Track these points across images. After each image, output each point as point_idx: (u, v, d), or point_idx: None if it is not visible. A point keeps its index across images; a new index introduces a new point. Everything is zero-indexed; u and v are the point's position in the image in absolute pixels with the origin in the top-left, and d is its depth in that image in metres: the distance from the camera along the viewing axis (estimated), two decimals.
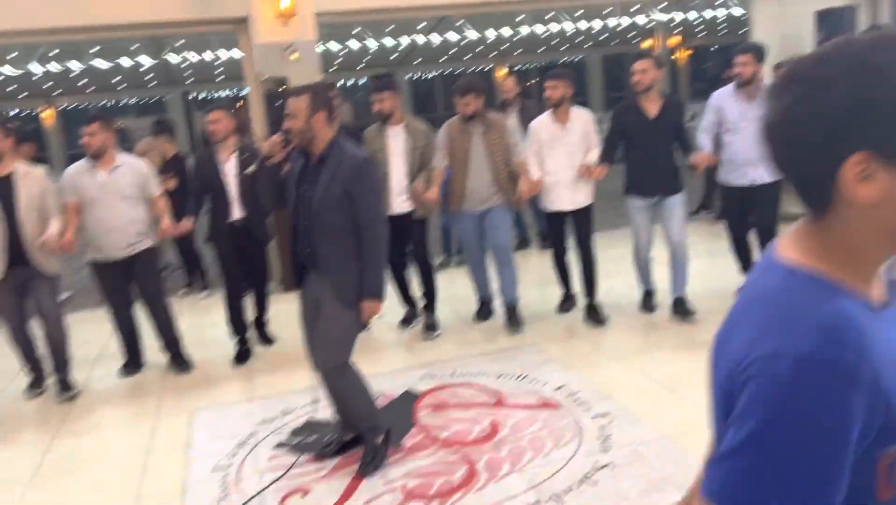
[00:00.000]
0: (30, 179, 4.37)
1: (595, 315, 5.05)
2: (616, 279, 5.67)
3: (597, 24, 17.37)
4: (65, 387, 4.56)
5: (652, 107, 4.75)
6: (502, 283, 5.09)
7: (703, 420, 3.35)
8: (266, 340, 5.22)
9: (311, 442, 3.57)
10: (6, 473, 3.56)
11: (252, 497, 3.10)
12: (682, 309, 4.93)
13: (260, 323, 5.24)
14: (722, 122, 4.95)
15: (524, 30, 16.48)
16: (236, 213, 4.80)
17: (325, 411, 3.85)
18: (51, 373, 4.64)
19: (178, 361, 4.85)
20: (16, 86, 17.22)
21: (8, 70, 14.25)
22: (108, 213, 4.49)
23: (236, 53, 13.47)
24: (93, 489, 3.32)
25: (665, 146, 4.79)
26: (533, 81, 22.03)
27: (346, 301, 3.11)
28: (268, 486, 3.18)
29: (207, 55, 15.19)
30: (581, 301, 5.23)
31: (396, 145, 4.85)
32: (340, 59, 17.74)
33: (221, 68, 17.54)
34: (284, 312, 5.86)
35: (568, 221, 5.09)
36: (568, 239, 5.19)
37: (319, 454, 3.40)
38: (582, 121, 4.97)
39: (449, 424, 3.63)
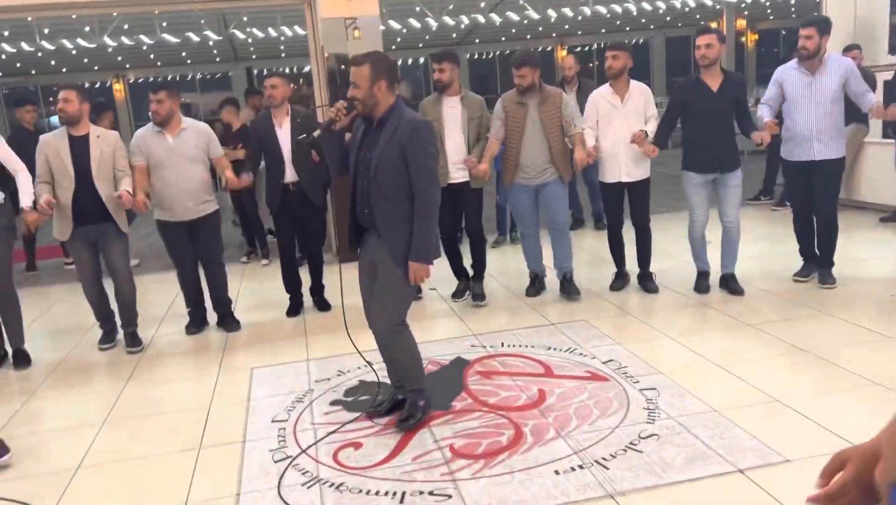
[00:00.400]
0: (103, 140, 4.64)
1: (648, 283, 5.16)
2: (669, 261, 5.65)
3: (661, 5, 17.03)
4: (133, 341, 4.84)
5: (714, 81, 4.74)
6: (557, 254, 5.20)
7: (752, 396, 3.38)
8: (322, 306, 5.39)
9: (363, 401, 3.71)
10: (81, 417, 3.81)
11: (308, 447, 3.25)
12: (729, 285, 4.96)
13: (316, 289, 5.41)
14: (784, 97, 4.88)
15: (586, 10, 16.26)
16: (289, 175, 4.99)
17: (378, 374, 3.99)
18: (121, 327, 4.91)
19: (229, 322, 5.09)
20: (88, 59, 17.87)
21: (83, 43, 14.79)
22: (175, 175, 4.72)
23: (300, 30, 13.70)
24: (159, 435, 3.53)
25: (725, 121, 4.77)
26: (594, 64, 21.76)
27: (401, 262, 3.21)
28: (322, 438, 3.33)
29: (272, 31, 15.46)
30: (634, 272, 5.29)
31: (452, 116, 4.95)
32: (401, 39, 17.83)
33: (284, 45, 17.84)
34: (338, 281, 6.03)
35: (624, 196, 5.12)
36: (623, 216, 5.22)
37: (371, 412, 3.54)
38: (640, 94, 5.00)
39: (497, 391, 3.72)
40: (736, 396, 3.43)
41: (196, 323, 5.11)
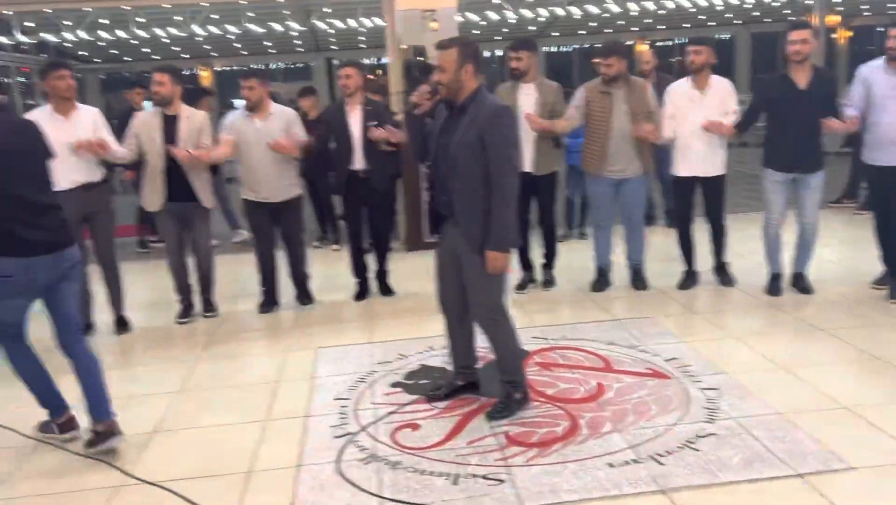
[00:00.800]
0: (192, 120, 4.92)
1: (723, 274, 5.16)
2: (741, 260, 5.51)
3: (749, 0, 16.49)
4: (209, 308, 5.23)
5: (802, 78, 4.60)
6: (630, 247, 5.24)
7: (819, 401, 3.30)
8: (387, 290, 5.52)
9: (423, 385, 3.79)
10: (158, 385, 4.02)
11: (367, 425, 3.35)
12: (800, 284, 4.86)
13: (381, 274, 5.54)
14: (869, 97, 4.68)
15: (669, 4, 15.89)
16: (358, 162, 5.12)
17: (438, 359, 4.07)
18: (198, 301, 5.23)
19: (304, 295, 5.36)
20: (178, 47, 18.62)
21: (173, 32, 15.42)
22: (262, 157, 4.96)
23: (379, 21, 13.92)
24: (228, 405, 3.70)
25: (811, 120, 4.61)
26: (676, 59, 21.26)
27: (478, 250, 3.20)
28: (382, 417, 3.43)
29: (352, 22, 15.74)
30: (708, 264, 5.28)
31: (528, 102, 4.98)
32: (478, 31, 17.85)
33: (364, 36, 18.13)
34: (406, 268, 6.16)
35: (697, 191, 5.06)
36: (694, 212, 5.15)
37: (431, 396, 3.62)
38: (721, 89, 4.93)
39: (555, 383, 3.74)
40: (801, 400, 3.35)
41: (269, 302, 5.32)
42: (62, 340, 3.25)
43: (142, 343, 4.79)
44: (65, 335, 3.24)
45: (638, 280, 5.28)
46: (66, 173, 4.49)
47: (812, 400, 3.35)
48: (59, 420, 3.34)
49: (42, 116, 4.48)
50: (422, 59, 6.95)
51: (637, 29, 20.30)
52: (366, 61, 21.43)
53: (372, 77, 8.67)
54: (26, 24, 14.38)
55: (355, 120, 5.11)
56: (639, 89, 4.95)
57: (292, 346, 4.53)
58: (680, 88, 5.01)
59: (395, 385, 3.82)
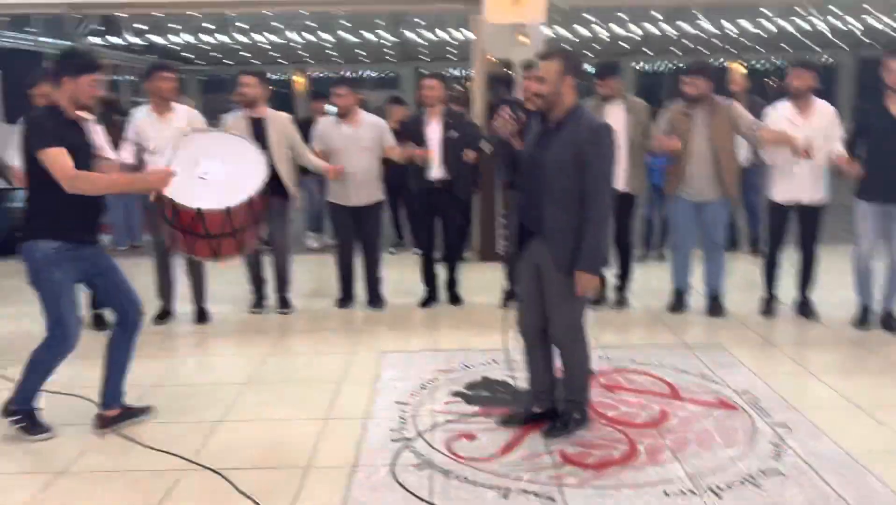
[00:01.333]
0: (278, 121, 5.12)
1: (807, 307, 4.98)
2: (825, 293, 5.27)
3: (855, 24, 15.78)
4: (283, 304, 5.40)
5: None
6: (709, 272, 5.12)
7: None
8: (454, 299, 5.56)
9: (483, 396, 3.80)
10: (228, 375, 4.19)
11: (424, 432, 3.38)
12: (888, 323, 4.60)
13: (451, 283, 5.58)
14: None
15: (769, 25, 15.39)
16: (435, 172, 5.19)
17: (500, 372, 4.06)
18: (275, 291, 5.44)
19: (375, 298, 5.48)
20: (275, 53, 19.32)
21: (272, 38, 16.02)
22: (349, 163, 5.13)
23: (468, 33, 14.06)
24: (292, 400, 3.81)
25: None
26: (772, 81, 20.55)
27: (566, 269, 3.15)
28: (440, 425, 3.45)
29: (441, 34, 15.95)
30: (790, 295, 5.12)
31: (616, 121, 4.92)
32: (568, 47, 17.76)
33: (453, 48, 18.34)
34: (477, 279, 6.18)
35: (789, 218, 4.93)
36: (785, 240, 5.01)
37: (507, 422, 3.47)
38: (824, 114, 4.77)
39: (617, 406, 3.67)
40: (877, 443, 3.18)
41: (345, 300, 5.52)
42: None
43: (218, 334, 4.97)
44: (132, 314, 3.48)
45: (715, 307, 5.14)
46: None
47: (889, 444, 3.17)
48: (115, 410, 3.53)
49: (140, 116, 4.77)
50: (507, 71, 6.97)
51: (733, 50, 19.74)
52: (453, 72, 21.67)
53: (459, 88, 8.78)
54: (137, 25, 15.26)
55: (434, 130, 5.18)
56: (722, 111, 4.82)
57: (359, 347, 4.62)
58: (780, 111, 4.86)
59: (455, 394, 3.84)
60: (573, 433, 3.32)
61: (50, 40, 11.72)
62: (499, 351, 4.37)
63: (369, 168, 5.22)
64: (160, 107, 4.83)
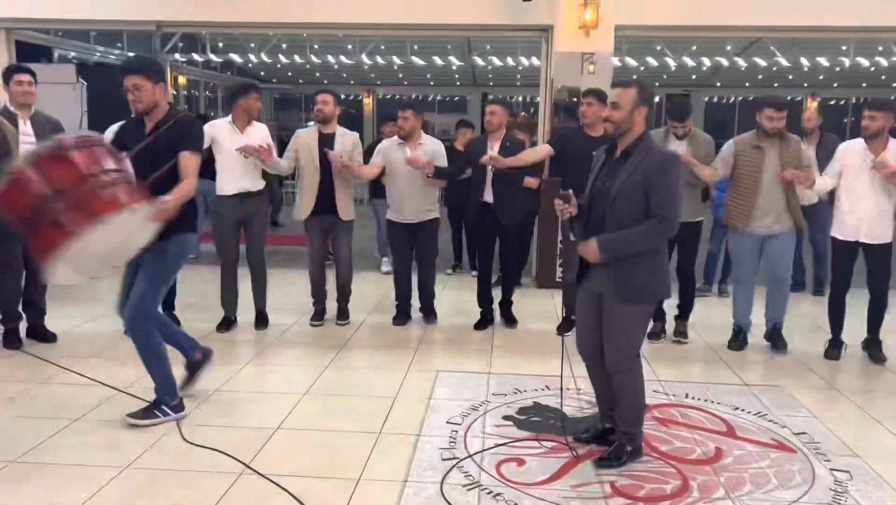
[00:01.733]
0: (346, 139, 5.34)
1: (875, 351, 4.87)
2: (894, 338, 5.10)
3: None
4: (342, 315, 5.62)
5: None
6: (772, 305, 5.05)
7: None
8: (510, 320, 5.60)
9: (534, 422, 3.81)
10: (288, 385, 4.30)
11: (475, 453, 3.41)
12: None
13: (505, 304, 5.62)
14: None
15: (844, 61, 15.00)
16: (489, 194, 5.30)
17: (553, 399, 4.07)
18: (336, 301, 5.63)
19: (430, 314, 5.64)
20: (346, 74, 19.80)
21: (343, 59, 16.44)
22: (407, 183, 5.33)
23: (535, 61, 14.15)
24: (348, 413, 3.89)
25: None
26: (848, 120, 19.99)
27: (627, 297, 3.18)
28: (490, 448, 3.48)
29: (510, 60, 16.08)
30: (859, 336, 5.01)
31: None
32: (636, 77, 17.67)
33: (520, 74, 18.46)
34: (534, 305, 6.20)
35: (857, 257, 4.84)
36: (851, 280, 4.90)
37: (575, 438, 3.55)
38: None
39: (671, 440, 3.63)
40: None
41: (401, 316, 5.65)
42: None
43: (278, 345, 5.12)
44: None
45: (776, 339, 5.05)
46: (233, 180, 5.03)
47: None
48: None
49: (222, 126, 5.08)
50: (576, 99, 7.01)
51: (807, 85, 19.28)
52: (519, 99, 21.78)
53: (523, 115, 8.85)
54: (218, 43, 15.89)
55: (493, 153, 5.24)
56: (793, 144, 4.80)
57: (415, 366, 4.68)
58: (853, 148, 4.78)
59: (506, 418, 3.86)
60: (624, 465, 3.30)
61: (134, 55, 12.36)
62: (551, 378, 4.41)
63: (426, 188, 5.39)
64: (242, 122, 5.09)
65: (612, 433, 3.48)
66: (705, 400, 4.18)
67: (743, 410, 4.03)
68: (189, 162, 3.51)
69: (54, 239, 2.82)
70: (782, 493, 3.10)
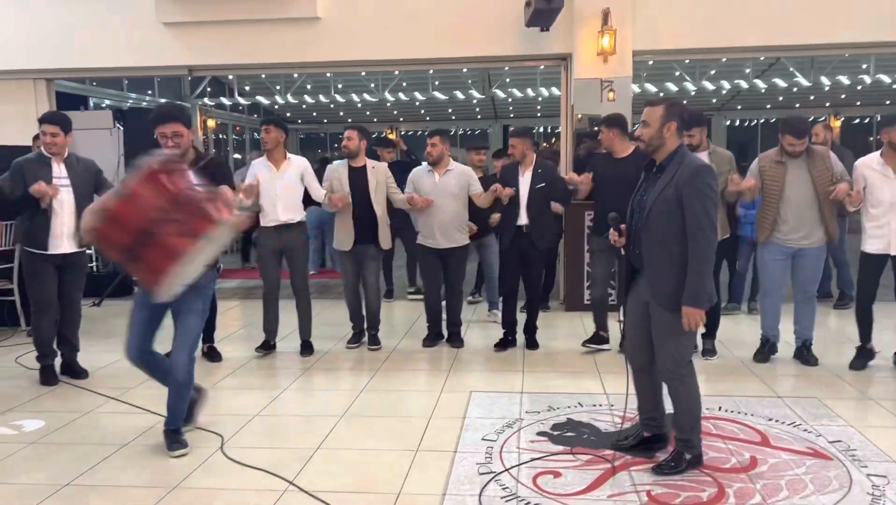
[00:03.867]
0: (377, 171, 5.52)
1: None
2: None
3: None
4: (374, 341, 5.76)
5: None
6: (801, 320, 5.08)
7: None
8: (532, 344, 5.68)
9: (568, 437, 3.86)
10: (326, 407, 4.40)
11: (511, 467, 3.47)
12: None
13: (530, 328, 5.70)
14: None
15: (865, 79, 14.99)
16: (523, 218, 5.42)
17: (586, 415, 4.12)
18: (366, 329, 5.79)
19: (456, 340, 5.74)
20: (369, 112, 20.19)
21: (367, 98, 16.80)
22: (437, 208, 5.49)
23: (555, 91, 14.34)
24: (385, 433, 3.98)
25: None
26: (874, 138, 19.84)
27: (667, 305, 3.28)
28: (526, 462, 3.54)
29: (530, 91, 16.30)
30: (890, 347, 5.02)
31: None
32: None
33: (540, 105, 18.68)
34: (564, 326, 6.26)
35: (883, 270, 4.87)
36: (876, 290, 4.90)
37: (616, 445, 3.66)
38: None
39: (705, 451, 3.63)
40: None
41: (432, 337, 5.80)
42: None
43: (316, 369, 5.24)
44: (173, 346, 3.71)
45: (806, 357, 5.07)
46: (273, 213, 5.23)
47: None
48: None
49: (258, 164, 5.38)
50: (597, 127, 7.13)
51: (828, 105, 19.23)
52: (540, 129, 21.97)
53: (545, 145, 9.01)
54: (245, 86, 16.36)
55: (525, 180, 5.44)
56: (818, 158, 4.86)
57: (447, 386, 4.77)
58: (868, 165, 4.86)
59: (540, 434, 3.92)
60: (684, 473, 3.36)
61: (166, 101, 12.79)
62: (584, 395, 4.48)
63: (455, 213, 5.56)
64: (272, 157, 5.36)
65: (652, 442, 3.58)
66: (738, 412, 4.20)
67: (777, 421, 4.05)
68: None
69: (169, 255, 2.97)
70: (820, 497, 3.11)
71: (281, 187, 5.28)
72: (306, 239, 5.63)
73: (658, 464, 3.42)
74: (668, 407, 3.56)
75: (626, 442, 3.66)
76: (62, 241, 4.77)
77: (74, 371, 5.07)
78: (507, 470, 3.45)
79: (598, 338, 5.60)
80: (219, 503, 3.17)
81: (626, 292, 3.57)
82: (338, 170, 5.56)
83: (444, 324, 5.85)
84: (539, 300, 5.82)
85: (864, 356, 4.97)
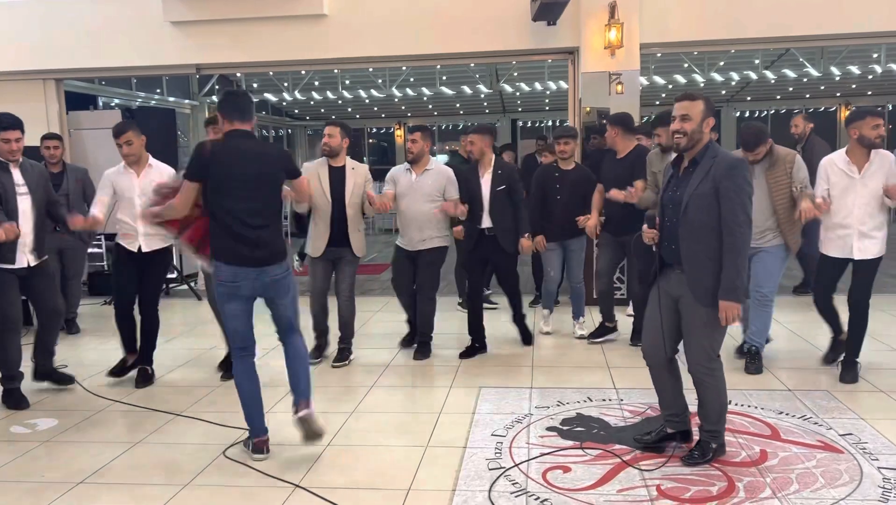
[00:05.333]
0: (356, 172, 5.19)
1: (850, 372, 4.60)
2: None
3: None
4: (342, 356, 5.30)
5: None
6: (751, 324, 4.88)
7: None
8: (526, 336, 5.71)
9: (578, 432, 3.87)
10: (336, 405, 4.42)
11: (520, 462, 3.49)
12: None
13: (518, 318, 5.70)
14: None
15: (877, 68, 14.87)
16: (486, 221, 5.34)
17: (595, 410, 4.12)
18: (338, 341, 5.40)
19: (422, 350, 5.44)
20: (377, 108, 20.20)
21: (374, 93, 16.81)
22: (410, 207, 5.26)
23: (563, 84, 14.30)
24: (394, 429, 4.00)
25: None
26: (887, 128, 19.63)
27: (702, 299, 3.28)
28: (536, 457, 3.55)
29: (538, 85, 16.27)
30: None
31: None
32: (665, 95, 17.71)
33: (548, 99, 18.63)
34: (571, 321, 6.24)
35: (844, 272, 4.67)
36: (835, 290, 4.78)
37: (639, 440, 3.67)
38: (883, 163, 4.44)
39: None
40: None
41: (408, 338, 5.69)
42: (280, 336, 3.77)
43: (323, 367, 5.24)
44: (281, 332, 3.77)
45: (751, 362, 4.84)
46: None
47: None
48: (255, 439, 3.68)
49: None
50: (605, 120, 7.11)
51: (839, 94, 19.08)
52: (549, 123, 21.92)
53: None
54: (253, 84, 16.39)
55: (485, 182, 5.34)
56: (783, 162, 4.66)
57: (456, 382, 4.79)
58: (833, 163, 4.58)
59: (550, 429, 3.93)
60: (711, 461, 3.39)
61: (173, 98, 12.84)
62: (593, 389, 4.48)
63: (427, 215, 5.23)
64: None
65: (676, 438, 3.60)
66: (748, 406, 4.20)
67: (787, 414, 4.04)
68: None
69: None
70: (831, 491, 3.11)
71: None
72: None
73: (687, 454, 3.45)
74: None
75: (649, 438, 3.66)
76: (24, 253, 4.45)
77: (56, 378, 4.86)
78: (516, 465, 3.46)
79: (604, 329, 5.63)
80: (230, 501, 3.20)
81: (648, 287, 3.56)
82: (315, 169, 5.14)
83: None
84: (518, 294, 5.65)
85: (839, 347, 4.84)
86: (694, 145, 3.32)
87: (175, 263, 8.83)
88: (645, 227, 3.54)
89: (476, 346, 5.50)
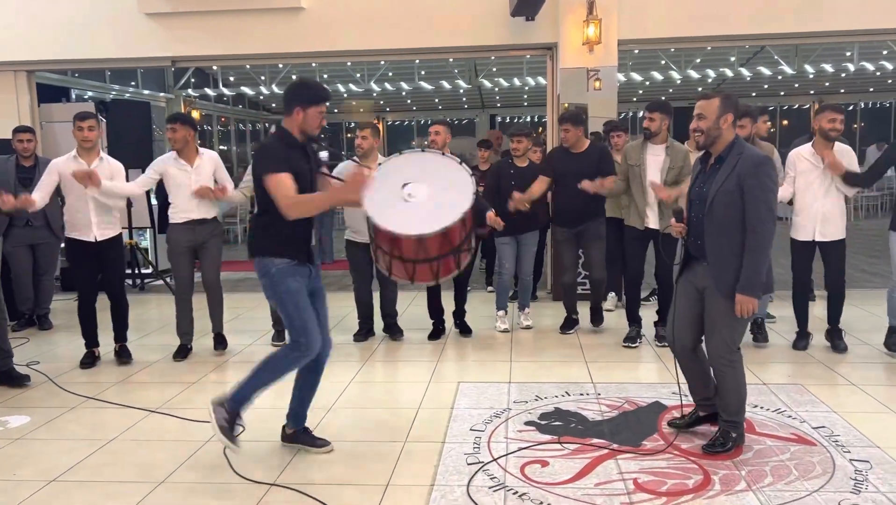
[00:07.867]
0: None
1: (836, 339, 5.12)
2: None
3: None
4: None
5: None
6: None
7: None
8: (462, 330, 5.85)
9: (556, 426, 3.88)
10: (314, 400, 4.37)
11: (498, 457, 3.49)
12: None
13: (457, 313, 5.86)
14: None
15: (849, 66, 15.08)
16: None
17: (573, 404, 4.14)
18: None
19: (394, 331, 5.78)
20: (355, 102, 20.11)
21: (353, 88, 16.72)
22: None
23: (541, 80, 14.34)
24: (374, 424, 3.99)
25: None
26: (858, 125, 19.99)
27: (725, 292, 3.35)
28: (514, 451, 3.56)
29: (517, 81, 16.29)
30: (822, 326, 5.29)
31: (655, 161, 5.13)
32: (642, 92, 17.82)
33: (527, 94, 18.68)
34: (550, 316, 6.27)
35: (815, 257, 5.11)
36: (810, 278, 5.29)
37: (672, 424, 3.79)
38: (842, 156, 4.95)
39: (691, 438, 3.69)
40: None
41: (363, 333, 5.80)
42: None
43: None
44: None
45: (761, 331, 5.33)
46: (184, 212, 5.13)
47: None
48: (291, 429, 3.68)
49: (167, 160, 5.14)
50: (585, 116, 7.13)
51: (813, 92, 19.35)
52: (527, 118, 21.97)
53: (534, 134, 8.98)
54: (229, 77, 16.23)
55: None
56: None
57: (435, 377, 4.78)
58: (803, 152, 5.05)
59: (528, 424, 3.94)
60: (731, 451, 3.45)
61: (148, 91, 12.68)
62: (571, 384, 4.50)
63: None
64: (185, 154, 5.15)
65: (706, 421, 3.72)
66: None
67: (762, 408, 4.09)
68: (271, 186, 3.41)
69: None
70: (804, 483, 3.15)
71: None
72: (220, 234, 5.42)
73: (708, 443, 3.51)
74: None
75: (682, 421, 3.78)
76: None
77: (13, 377, 4.78)
78: (494, 460, 3.46)
79: (570, 322, 5.83)
80: (205, 498, 3.17)
81: (676, 280, 3.67)
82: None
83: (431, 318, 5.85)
84: (464, 289, 5.88)
85: (802, 338, 5.22)
86: (713, 142, 3.39)
87: (151, 259, 8.75)
88: (673, 220, 3.63)
89: (439, 328, 5.82)
